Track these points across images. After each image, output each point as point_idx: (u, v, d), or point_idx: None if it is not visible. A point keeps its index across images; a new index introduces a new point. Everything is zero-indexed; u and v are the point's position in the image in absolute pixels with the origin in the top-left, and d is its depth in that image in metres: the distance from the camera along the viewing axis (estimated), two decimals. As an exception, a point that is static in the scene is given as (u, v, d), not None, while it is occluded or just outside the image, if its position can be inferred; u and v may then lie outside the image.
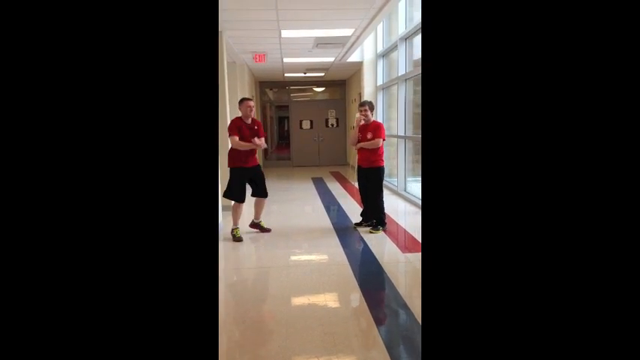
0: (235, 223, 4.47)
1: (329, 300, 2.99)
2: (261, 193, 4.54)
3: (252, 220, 4.72)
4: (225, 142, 5.41)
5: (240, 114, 4.41)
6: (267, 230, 4.70)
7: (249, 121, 4.36)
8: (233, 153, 4.35)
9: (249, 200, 4.55)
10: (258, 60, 7.41)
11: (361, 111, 4.66)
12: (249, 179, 4.46)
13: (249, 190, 4.48)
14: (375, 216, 4.72)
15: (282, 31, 5.70)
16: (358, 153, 4.79)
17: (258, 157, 4.62)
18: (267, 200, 4.66)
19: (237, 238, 4.41)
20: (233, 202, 4.47)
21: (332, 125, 12.19)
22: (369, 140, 4.56)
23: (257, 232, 4.68)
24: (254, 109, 4.44)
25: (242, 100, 4.43)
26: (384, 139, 4.58)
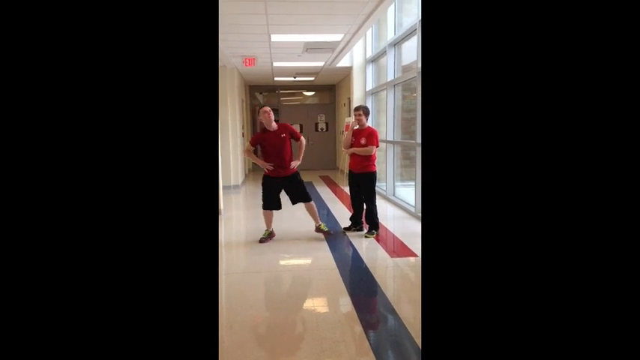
0: (268, 226, 4.58)
1: (318, 305, 2.99)
2: (300, 199, 4.56)
3: (315, 226, 4.72)
4: (225, 144, 5.48)
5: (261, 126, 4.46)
6: (328, 233, 4.68)
7: (272, 128, 4.38)
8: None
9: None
10: (248, 64, 7.40)
11: (355, 115, 4.61)
12: (284, 188, 4.50)
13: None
14: (368, 220, 4.71)
15: (271, 35, 5.70)
16: (350, 157, 4.77)
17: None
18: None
19: (261, 239, 4.49)
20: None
21: (322, 129, 12.19)
22: (362, 146, 4.53)
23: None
24: (272, 114, 4.41)
25: (258, 110, 4.46)
26: (377, 147, 4.56)
